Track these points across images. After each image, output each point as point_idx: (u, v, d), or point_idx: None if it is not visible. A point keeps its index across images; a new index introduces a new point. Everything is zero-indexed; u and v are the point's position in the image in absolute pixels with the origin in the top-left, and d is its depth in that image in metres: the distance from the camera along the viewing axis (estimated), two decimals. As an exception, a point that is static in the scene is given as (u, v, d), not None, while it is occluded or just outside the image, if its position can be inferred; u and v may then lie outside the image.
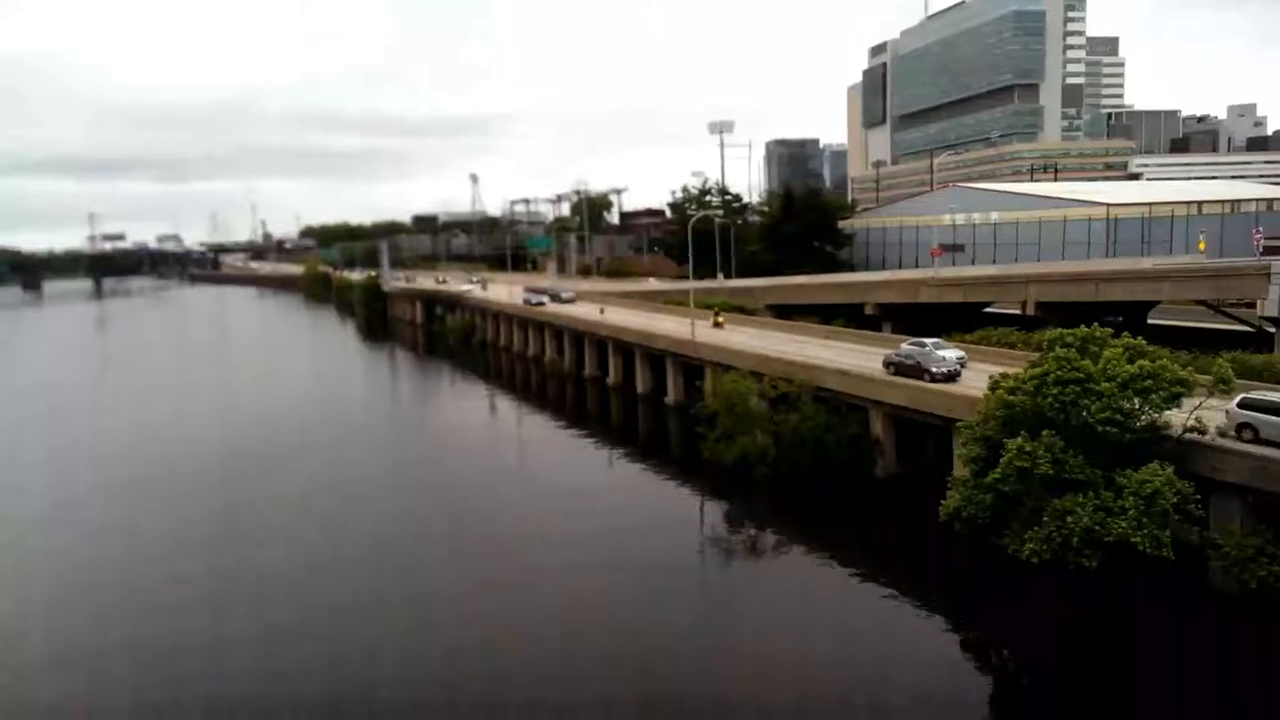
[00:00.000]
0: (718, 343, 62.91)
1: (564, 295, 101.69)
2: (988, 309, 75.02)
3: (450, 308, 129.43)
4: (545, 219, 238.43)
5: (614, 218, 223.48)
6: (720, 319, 73.75)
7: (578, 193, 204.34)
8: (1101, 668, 27.66)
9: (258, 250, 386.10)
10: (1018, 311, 68.46)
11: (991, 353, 51.71)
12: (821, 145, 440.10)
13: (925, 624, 31.85)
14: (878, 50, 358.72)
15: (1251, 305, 55.44)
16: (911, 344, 48.93)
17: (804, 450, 47.08)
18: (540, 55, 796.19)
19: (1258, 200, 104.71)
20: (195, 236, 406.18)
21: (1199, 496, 29.49)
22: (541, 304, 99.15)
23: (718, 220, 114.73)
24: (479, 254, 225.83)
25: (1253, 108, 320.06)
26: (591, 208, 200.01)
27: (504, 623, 32.26)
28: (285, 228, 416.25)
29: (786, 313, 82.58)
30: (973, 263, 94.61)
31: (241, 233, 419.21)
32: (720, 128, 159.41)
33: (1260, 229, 78.21)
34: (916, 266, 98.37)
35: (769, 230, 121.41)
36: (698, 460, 50.85)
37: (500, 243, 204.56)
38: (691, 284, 76.60)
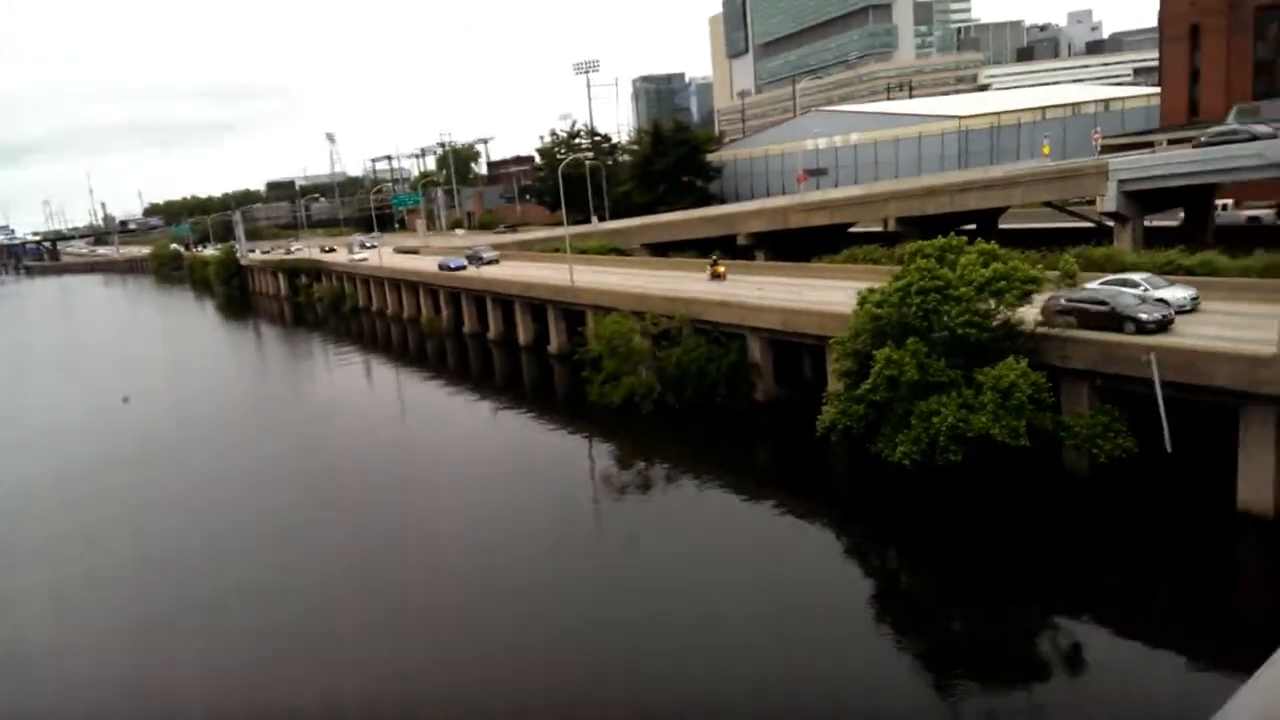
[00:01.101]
0: (596, 285, 62.54)
1: (486, 256, 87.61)
2: (852, 229, 77.13)
3: (316, 276, 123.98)
4: (410, 175, 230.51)
5: (482, 169, 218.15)
6: (721, 268, 61.28)
7: (442, 145, 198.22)
8: (971, 555, 29.30)
9: (99, 235, 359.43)
10: (880, 229, 70.70)
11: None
12: (687, 79, 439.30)
13: (809, 534, 33.02)
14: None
15: (1092, 203, 58.84)
16: (1108, 281, 37.12)
17: (688, 383, 47.66)
18: (392, 7, 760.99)
19: (1096, 102, 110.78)
20: (28, 225, 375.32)
21: (1051, 385, 31.30)
22: (461, 268, 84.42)
23: (588, 162, 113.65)
24: (342, 218, 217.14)
25: (1089, 13, 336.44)
26: (458, 160, 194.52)
27: (407, 587, 31.61)
28: (129, 207, 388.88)
29: (662, 250, 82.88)
30: (836, 185, 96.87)
31: (80, 218, 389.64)
32: (586, 67, 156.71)
33: (1099, 129, 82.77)
34: (784, 193, 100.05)
35: (640, 169, 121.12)
36: (585, 405, 50.80)
37: (364, 204, 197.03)
38: (566, 230, 75.64)
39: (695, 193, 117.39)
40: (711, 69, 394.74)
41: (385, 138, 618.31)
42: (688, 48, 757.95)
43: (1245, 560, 27.57)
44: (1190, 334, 31.30)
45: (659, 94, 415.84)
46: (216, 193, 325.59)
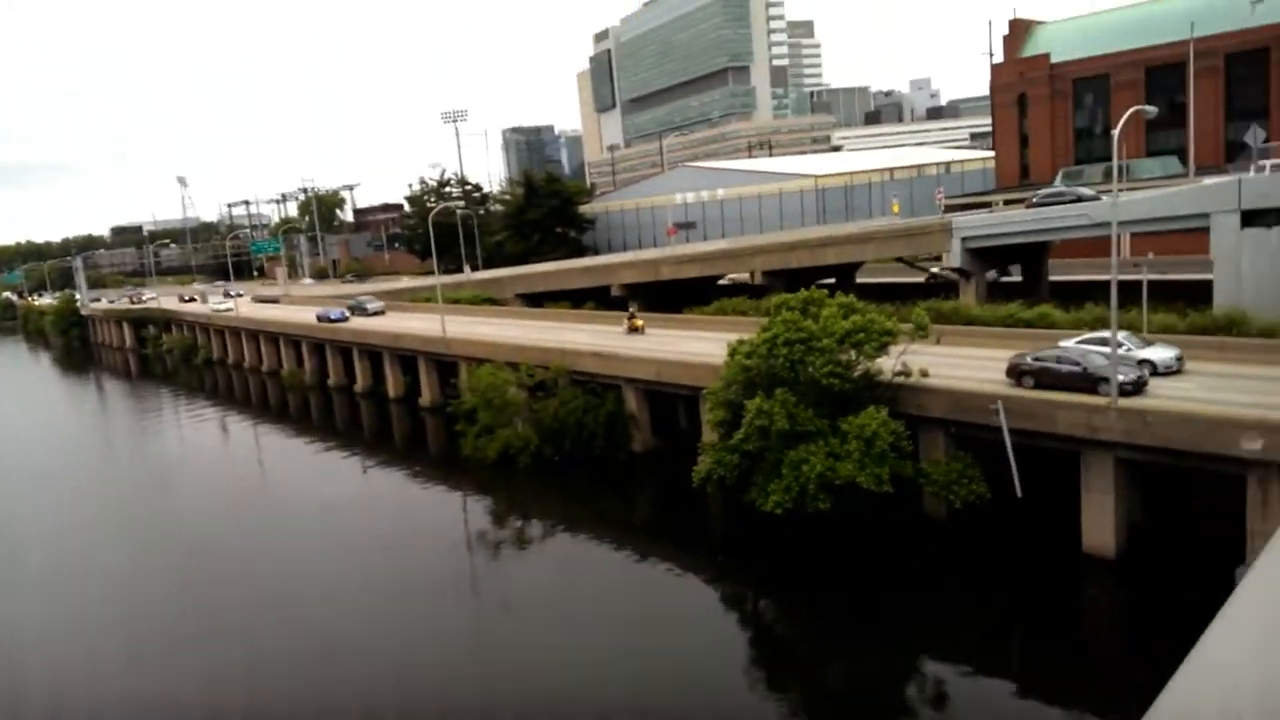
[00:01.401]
0: (469, 336, 61.74)
1: (370, 306, 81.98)
2: (721, 281, 79.48)
3: (166, 326, 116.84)
4: (271, 221, 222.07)
5: (348, 216, 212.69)
6: (639, 321, 57.75)
7: (305, 191, 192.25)
8: (840, 601, 30.24)
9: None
10: (748, 281, 73.14)
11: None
12: (557, 131, 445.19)
13: (687, 586, 33.28)
14: (601, 37, 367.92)
15: (939, 258, 62.92)
16: (1084, 339, 35.48)
17: (565, 435, 47.50)
18: (257, 47, 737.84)
19: (938, 164, 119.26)
20: None
21: (910, 433, 32.98)
22: (343, 320, 77.93)
23: (460, 211, 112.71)
24: (195, 265, 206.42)
25: (929, 81, 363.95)
26: (322, 206, 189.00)
27: (261, 659, 29.64)
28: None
29: (537, 300, 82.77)
30: (705, 238, 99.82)
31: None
32: (454, 116, 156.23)
33: (941, 189, 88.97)
34: (655, 245, 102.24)
35: (513, 219, 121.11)
36: (459, 459, 49.69)
37: (220, 250, 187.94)
38: (438, 279, 74.51)
39: (569, 243, 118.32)
40: (581, 122, 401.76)
41: (243, 182, 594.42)
42: (557, 100, 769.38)
43: (1091, 598, 29.56)
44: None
45: (529, 145, 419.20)
46: (55, 238, 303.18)
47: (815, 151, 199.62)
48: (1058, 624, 28.06)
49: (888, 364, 35.01)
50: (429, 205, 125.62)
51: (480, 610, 33.39)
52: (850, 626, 28.68)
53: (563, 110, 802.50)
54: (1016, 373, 33.38)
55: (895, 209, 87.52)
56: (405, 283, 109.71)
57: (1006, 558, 31.01)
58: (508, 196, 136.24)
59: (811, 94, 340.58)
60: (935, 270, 66.83)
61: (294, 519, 45.91)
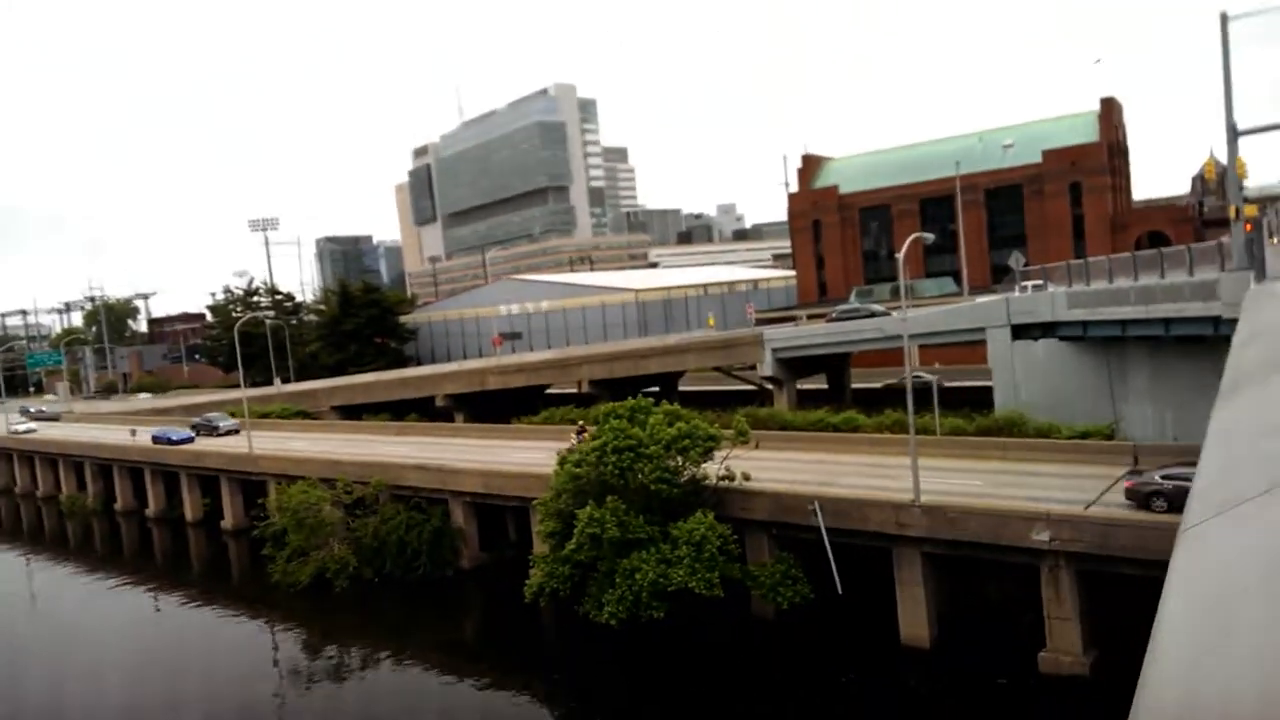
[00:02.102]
0: (280, 452, 58.08)
1: (223, 425, 70.85)
2: (548, 390, 79.80)
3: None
4: (52, 332, 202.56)
5: (142, 326, 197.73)
6: (587, 433, 40.53)
7: (92, 300, 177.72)
8: (678, 708, 29.95)
9: None
10: (575, 390, 73.90)
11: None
12: (375, 242, 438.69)
13: (518, 708, 31.88)
14: (420, 153, 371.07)
15: (753, 367, 66.37)
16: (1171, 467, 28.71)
17: (387, 554, 45.13)
18: (45, 146, 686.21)
19: (746, 281, 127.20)
20: None
21: (736, 536, 33.86)
22: (187, 441, 66.95)
23: (269, 321, 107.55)
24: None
25: (734, 205, 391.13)
26: (112, 316, 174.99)
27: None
28: None
29: (355, 413, 79.45)
30: (530, 349, 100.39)
31: None
32: (263, 225, 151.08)
33: (751, 304, 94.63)
34: (480, 356, 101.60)
35: (328, 329, 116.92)
36: (267, 586, 45.80)
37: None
38: (244, 391, 70.08)
39: (389, 354, 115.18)
40: (400, 233, 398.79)
41: (20, 290, 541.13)
42: (374, 212, 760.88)
43: (910, 688, 30.85)
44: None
45: (345, 255, 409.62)
46: None
47: (634, 267, 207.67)
48: (880, 712, 29.03)
49: (712, 469, 36.09)
50: (235, 315, 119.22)
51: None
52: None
53: (380, 221, 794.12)
54: (1142, 495, 28.05)
55: (711, 322, 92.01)
56: (206, 397, 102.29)
57: (832, 654, 31.98)
58: (322, 306, 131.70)
59: (628, 214, 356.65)
60: (747, 377, 70.38)
61: (75, 660, 40.31)
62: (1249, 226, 29.37)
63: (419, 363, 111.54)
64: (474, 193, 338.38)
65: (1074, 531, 27.17)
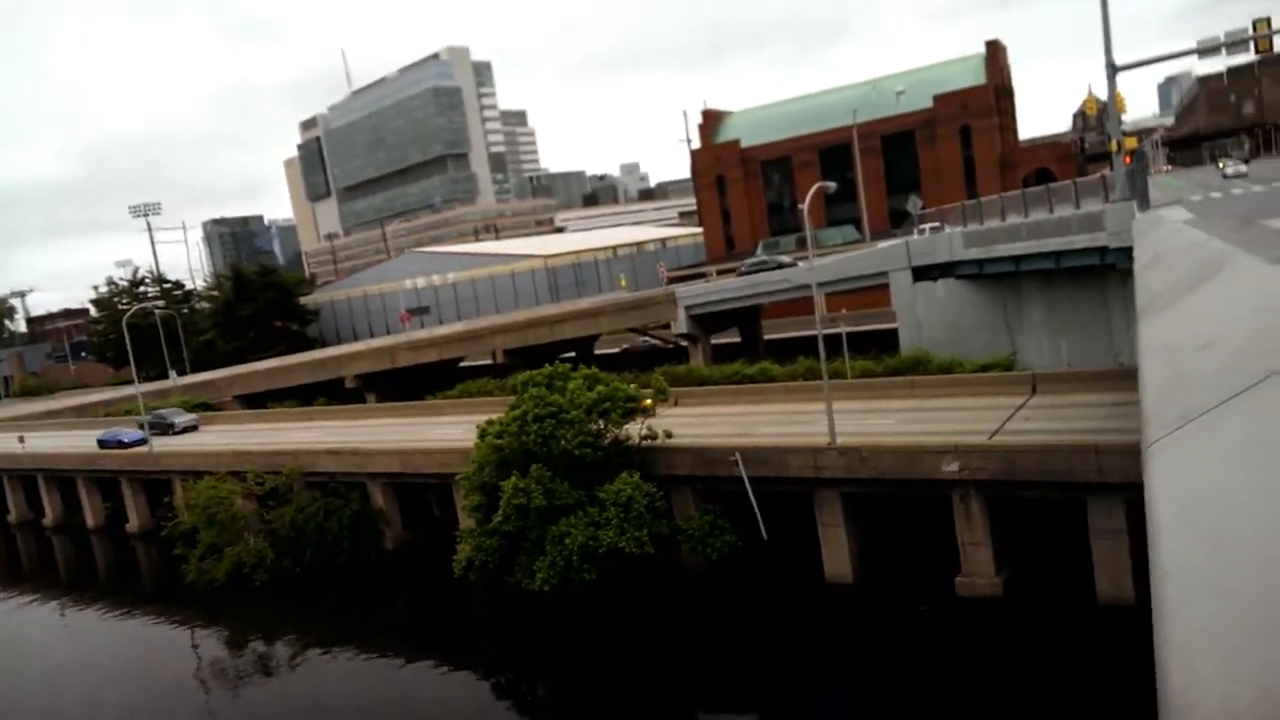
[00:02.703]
0: (184, 448, 55.65)
1: (179, 421, 63.88)
2: (462, 364, 78.59)
3: None
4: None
5: (20, 326, 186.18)
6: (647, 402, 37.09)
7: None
8: (613, 664, 30.27)
9: None
10: (489, 361, 72.97)
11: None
12: (267, 222, 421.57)
13: (455, 682, 31.68)
14: (309, 125, 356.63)
15: (667, 326, 66.68)
16: None
17: (306, 543, 43.89)
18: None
19: (655, 240, 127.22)
20: None
21: (662, 493, 34.16)
22: (139, 443, 57.95)
23: (159, 312, 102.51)
24: None
25: (637, 165, 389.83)
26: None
27: None
28: None
29: (260, 401, 76.72)
30: (440, 322, 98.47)
31: None
32: (145, 210, 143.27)
33: (662, 263, 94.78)
34: (388, 333, 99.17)
35: (223, 316, 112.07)
36: (182, 587, 44.09)
37: None
38: (139, 387, 66.67)
39: (291, 338, 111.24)
40: (293, 212, 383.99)
41: None
42: (264, 191, 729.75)
43: (834, 619, 31.82)
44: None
45: (235, 237, 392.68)
46: None
47: (541, 233, 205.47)
48: (808, 648, 29.98)
49: (635, 429, 36.21)
50: (121, 308, 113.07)
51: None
52: (623, 689, 28.70)
53: (271, 200, 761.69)
54: None
55: (623, 284, 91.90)
56: (98, 395, 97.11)
57: (761, 597, 32.73)
58: (215, 292, 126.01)
59: (531, 178, 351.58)
60: (662, 335, 70.74)
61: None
62: (1128, 159, 30.72)
63: (323, 345, 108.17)
64: (369, 165, 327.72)
65: (981, 460, 28.32)
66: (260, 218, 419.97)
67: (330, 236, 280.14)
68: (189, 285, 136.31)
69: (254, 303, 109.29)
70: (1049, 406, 33.69)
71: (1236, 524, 2.48)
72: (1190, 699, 1.77)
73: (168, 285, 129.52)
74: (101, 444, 60.03)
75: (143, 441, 57.92)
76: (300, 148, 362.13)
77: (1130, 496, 25.91)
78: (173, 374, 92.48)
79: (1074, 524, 27.86)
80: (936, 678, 26.67)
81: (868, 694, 26.86)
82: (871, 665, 29.09)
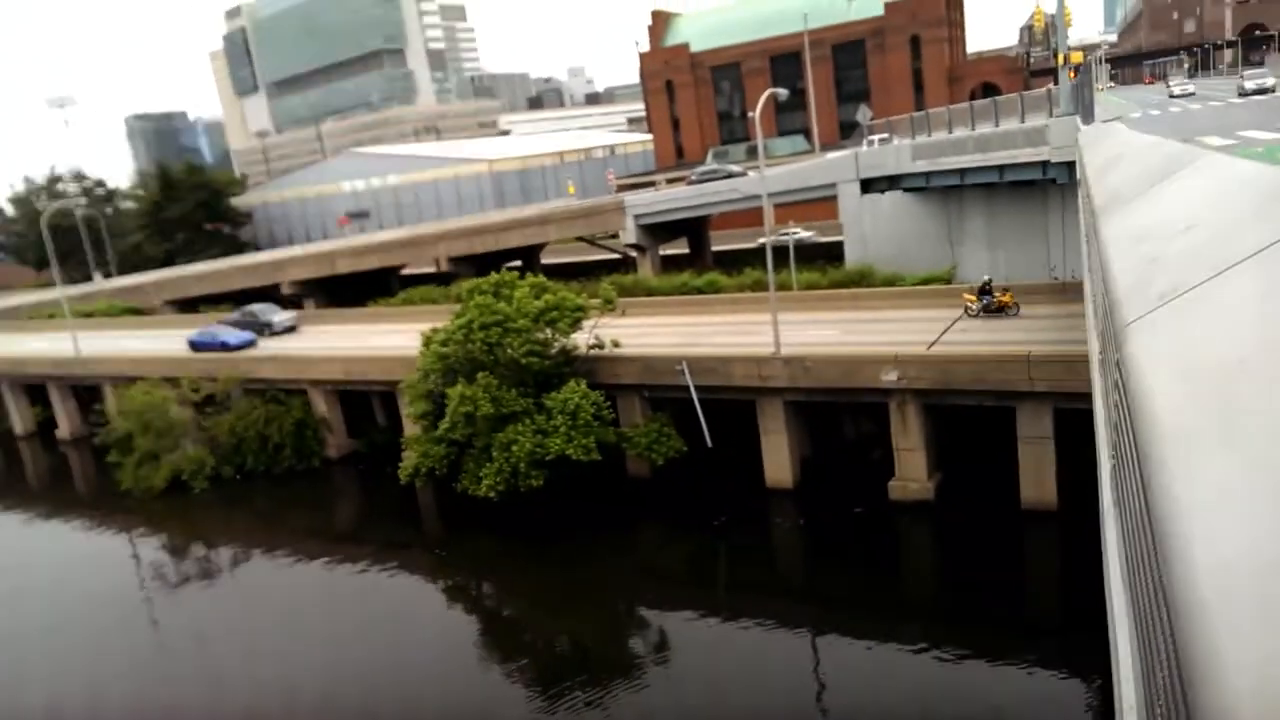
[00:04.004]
0: (114, 353, 54.05)
1: (278, 320, 54.68)
2: (404, 271, 77.15)
3: None
4: None
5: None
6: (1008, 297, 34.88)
7: None
8: (561, 565, 31.13)
9: None
10: (433, 269, 71.75)
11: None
12: (192, 118, 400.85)
13: (402, 579, 32.26)
14: (234, 14, 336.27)
15: (615, 236, 66.16)
16: None
17: (246, 451, 43.55)
18: None
19: (604, 147, 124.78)
20: None
21: (609, 401, 34.53)
22: (246, 345, 50.23)
23: (80, 212, 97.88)
24: None
25: (584, 69, 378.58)
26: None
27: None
28: None
29: (192, 306, 74.52)
30: (380, 227, 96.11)
31: None
32: (61, 102, 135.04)
33: (611, 170, 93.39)
34: (326, 238, 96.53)
35: (150, 217, 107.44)
36: (119, 495, 43.53)
37: None
38: (62, 290, 64.09)
39: (223, 241, 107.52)
40: (221, 108, 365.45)
41: None
42: (189, 84, 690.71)
43: (774, 522, 33.06)
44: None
45: (159, 134, 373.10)
46: None
47: (484, 136, 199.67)
48: (748, 548, 31.27)
49: (582, 338, 36.26)
50: (39, 207, 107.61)
51: (166, 646, 29.67)
52: (572, 588, 29.63)
53: (196, 94, 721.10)
54: None
55: (571, 190, 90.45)
56: (19, 299, 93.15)
57: (705, 502, 33.71)
58: (140, 192, 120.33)
59: (472, 79, 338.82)
60: (610, 245, 70.23)
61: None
62: (1073, 74, 30.92)
63: (258, 249, 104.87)
64: (300, 58, 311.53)
65: (919, 369, 29.18)
66: (184, 114, 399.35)
67: (261, 134, 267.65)
68: (112, 185, 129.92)
69: (182, 204, 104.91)
70: (986, 318, 34.64)
71: (1243, 384, 2.50)
72: (1214, 550, 1.82)
73: (88, 184, 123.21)
74: (196, 346, 51.26)
75: (251, 343, 50.57)
76: (225, 38, 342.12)
77: (1058, 404, 27.10)
78: (98, 276, 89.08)
79: (1005, 431, 29.11)
80: (862, 570, 28.15)
81: (800, 585, 28.23)
82: (804, 561, 30.48)
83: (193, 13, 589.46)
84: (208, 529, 40.19)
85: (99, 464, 47.56)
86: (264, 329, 53.36)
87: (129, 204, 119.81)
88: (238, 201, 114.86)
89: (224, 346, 49.96)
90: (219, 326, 53.26)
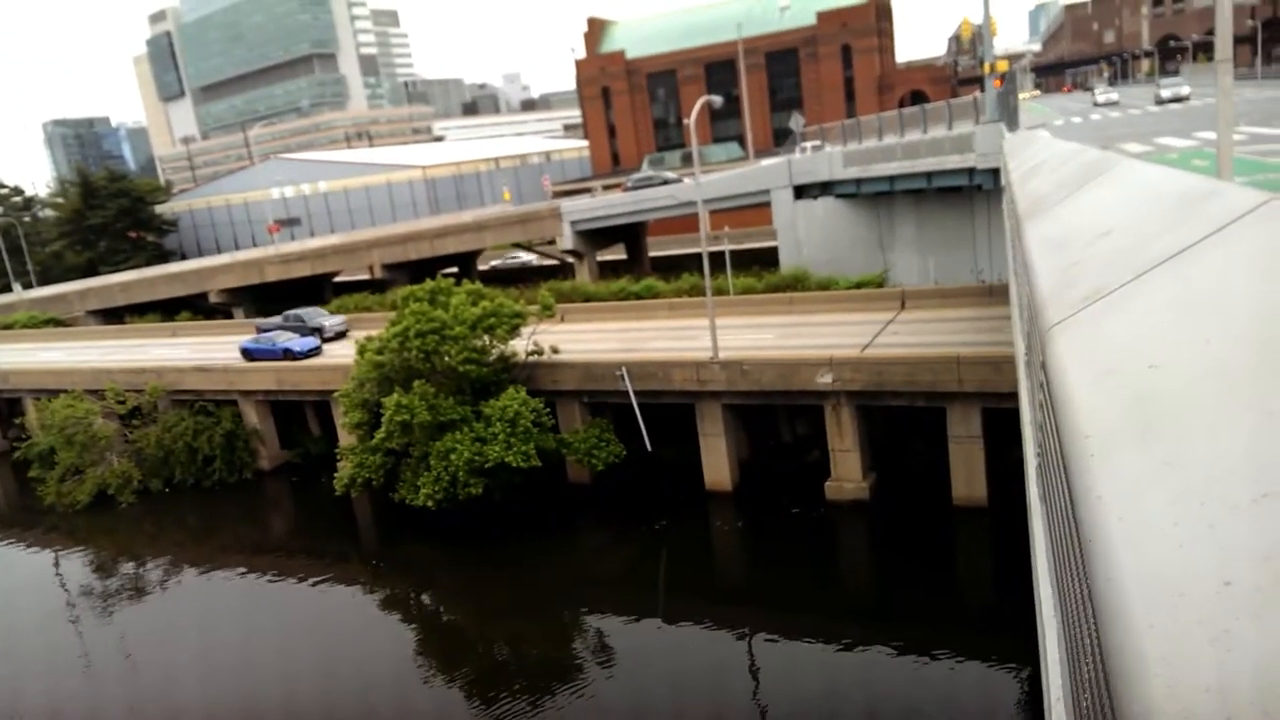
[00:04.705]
0: (31, 366, 51.83)
1: (329, 325, 49.73)
2: (337, 279, 75.68)
3: None
4: None
5: None
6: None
7: None
8: (500, 573, 30.83)
9: None
10: (366, 276, 70.54)
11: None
12: (115, 124, 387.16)
13: (341, 593, 31.57)
14: (158, 18, 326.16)
15: (552, 242, 65.92)
16: None
17: (174, 463, 42.19)
18: None
19: (540, 153, 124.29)
20: None
21: (549, 407, 34.35)
22: (310, 353, 45.26)
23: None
24: None
25: (519, 75, 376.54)
26: None
27: None
28: None
29: (117, 316, 72.03)
30: (312, 234, 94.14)
31: None
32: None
33: (547, 176, 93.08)
34: (255, 245, 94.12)
35: (70, 224, 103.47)
36: (40, 510, 41.77)
37: None
38: (-26, 302, 61.28)
39: (147, 249, 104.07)
40: (145, 113, 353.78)
41: None
42: (111, 89, 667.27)
43: (715, 526, 33.29)
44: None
45: (80, 140, 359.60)
46: None
47: (418, 142, 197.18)
48: (687, 551, 31.38)
49: (520, 345, 36.02)
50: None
51: (92, 665, 28.50)
52: (512, 595, 29.32)
53: (118, 100, 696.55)
54: None
55: (506, 196, 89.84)
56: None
57: (645, 506, 33.74)
58: (60, 200, 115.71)
59: (406, 84, 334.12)
60: (546, 251, 69.97)
61: None
62: (999, 82, 31.89)
63: (184, 257, 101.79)
64: (227, 63, 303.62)
65: (853, 372, 29.71)
66: (106, 119, 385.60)
67: (186, 140, 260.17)
68: (30, 191, 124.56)
69: (104, 211, 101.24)
70: (916, 321, 35.48)
71: (1164, 381, 2.57)
72: (1133, 547, 1.89)
73: (5, 190, 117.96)
74: (250, 355, 45.73)
75: (317, 350, 45.27)
76: (149, 43, 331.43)
77: (986, 404, 27.86)
78: (17, 287, 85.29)
79: (935, 431, 29.80)
80: (800, 570, 28.53)
81: (739, 586, 28.46)
82: (743, 562, 30.75)
83: (115, 16, 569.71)
84: (136, 544, 38.75)
85: (20, 479, 45.51)
86: (314, 334, 48.31)
87: (48, 212, 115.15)
88: (162, 209, 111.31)
89: (287, 354, 44.42)
90: (278, 332, 47.25)
